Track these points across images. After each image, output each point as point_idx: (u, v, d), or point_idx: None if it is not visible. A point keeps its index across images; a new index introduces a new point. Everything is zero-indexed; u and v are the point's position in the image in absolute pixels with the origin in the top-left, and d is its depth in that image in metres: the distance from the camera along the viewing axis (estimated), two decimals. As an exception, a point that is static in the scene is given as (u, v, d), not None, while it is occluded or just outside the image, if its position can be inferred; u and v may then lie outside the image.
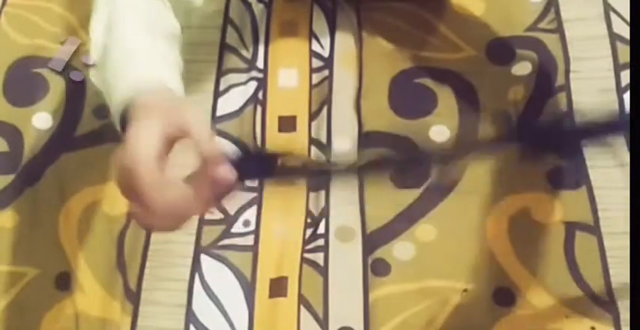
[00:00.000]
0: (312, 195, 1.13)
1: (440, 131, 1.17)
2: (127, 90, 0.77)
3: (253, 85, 1.24)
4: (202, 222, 1.12)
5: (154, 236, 1.11)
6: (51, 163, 1.17)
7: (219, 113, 1.21)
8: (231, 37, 1.28)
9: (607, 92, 1.18)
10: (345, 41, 1.26)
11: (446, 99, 1.20)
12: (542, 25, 1.26)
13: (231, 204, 1.13)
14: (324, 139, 1.18)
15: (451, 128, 1.17)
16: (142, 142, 0.69)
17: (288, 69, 1.25)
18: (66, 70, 1.26)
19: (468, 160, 1.10)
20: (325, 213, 1.12)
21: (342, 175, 0.95)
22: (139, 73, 0.79)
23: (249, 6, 1.32)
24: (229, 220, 1.13)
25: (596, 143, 1.06)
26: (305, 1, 1.29)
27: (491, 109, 1.18)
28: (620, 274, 1.03)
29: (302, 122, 1.20)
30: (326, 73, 1.24)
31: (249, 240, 1.11)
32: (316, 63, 1.25)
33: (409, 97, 1.18)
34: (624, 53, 1.20)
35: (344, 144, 1.17)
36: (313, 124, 1.19)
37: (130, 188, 0.68)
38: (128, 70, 0.80)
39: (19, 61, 1.28)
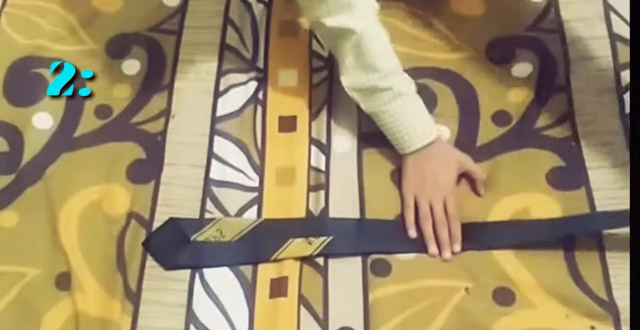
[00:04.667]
0: (312, 195, 1.13)
1: (439, 131, 1.16)
2: (420, 140, 1.11)
3: (253, 85, 1.24)
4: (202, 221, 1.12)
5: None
6: (51, 163, 1.17)
7: (219, 113, 1.21)
8: (231, 38, 1.28)
9: (607, 92, 1.18)
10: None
11: (446, 99, 1.20)
12: (542, 25, 1.26)
13: (232, 204, 1.13)
14: (324, 139, 1.18)
15: (451, 128, 1.17)
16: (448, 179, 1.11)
17: (288, 69, 1.25)
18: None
19: None
20: (325, 213, 1.12)
21: None
22: (426, 129, 1.11)
23: (249, 6, 1.32)
24: (229, 220, 1.13)
25: None
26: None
27: (492, 109, 1.18)
28: (620, 274, 1.03)
29: (302, 122, 1.20)
30: (326, 73, 1.24)
31: (249, 240, 1.11)
32: (316, 63, 1.25)
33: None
34: (624, 53, 1.20)
35: (344, 144, 1.18)
36: (313, 124, 1.20)
37: None
38: (415, 124, 1.11)
39: (19, 61, 1.28)
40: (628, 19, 1.24)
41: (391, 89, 1.10)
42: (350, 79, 1.12)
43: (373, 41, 1.09)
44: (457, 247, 1.07)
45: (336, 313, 1.04)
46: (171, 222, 1.11)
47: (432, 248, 1.07)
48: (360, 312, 1.04)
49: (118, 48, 1.29)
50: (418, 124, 1.10)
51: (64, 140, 1.20)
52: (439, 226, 1.08)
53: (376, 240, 1.09)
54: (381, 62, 1.10)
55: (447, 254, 1.07)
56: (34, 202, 1.14)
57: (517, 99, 1.19)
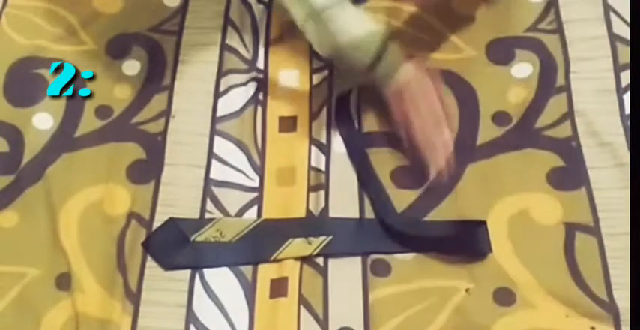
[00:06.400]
0: (312, 195, 1.13)
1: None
2: None
3: (254, 85, 1.24)
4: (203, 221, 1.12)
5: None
6: (51, 163, 1.17)
7: (219, 114, 1.21)
8: (232, 38, 1.29)
9: (607, 93, 1.18)
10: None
11: (446, 99, 1.20)
12: (541, 25, 1.26)
13: (232, 204, 1.13)
14: (324, 140, 1.18)
15: (451, 128, 1.17)
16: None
17: (289, 69, 1.25)
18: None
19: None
20: (325, 213, 1.12)
21: None
22: None
23: (249, 7, 1.32)
24: (229, 220, 1.13)
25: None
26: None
27: (492, 109, 1.19)
28: (620, 274, 1.03)
29: (302, 123, 1.20)
30: (326, 73, 1.24)
31: (249, 240, 1.11)
32: (316, 63, 1.25)
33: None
34: (624, 54, 1.20)
35: (344, 144, 1.18)
36: (314, 124, 1.20)
37: None
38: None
39: (19, 61, 1.28)
40: (628, 20, 1.24)
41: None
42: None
43: None
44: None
45: (336, 313, 1.04)
46: (171, 222, 1.11)
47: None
48: (360, 312, 1.04)
49: (118, 48, 1.29)
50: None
51: (64, 140, 1.20)
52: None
53: (376, 240, 1.09)
54: None
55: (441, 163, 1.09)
56: (34, 202, 1.14)
57: (517, 99, 1.19)
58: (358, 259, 1.07)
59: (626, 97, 1.17)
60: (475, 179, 1.12)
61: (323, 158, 1.16)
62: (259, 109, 1.22)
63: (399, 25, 1.27)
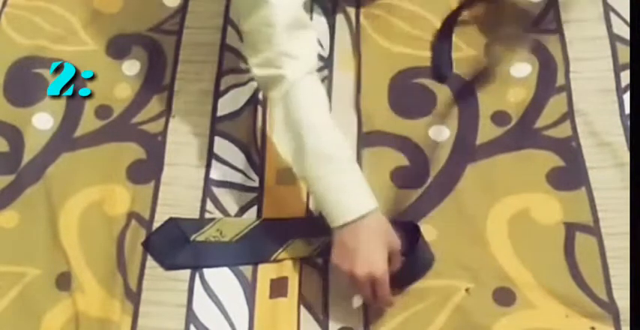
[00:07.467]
0: (312, 195, 1.13)
1: (439, 131, 1.17)
2: (349, 213, 0.99)
3: (253, 85, 1.24)
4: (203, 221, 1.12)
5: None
6: (51, 163, 1.18)
7: (219, 114, 1.21)
8: (232, 38, 1.29)
9: (607, 92, 1.18)
10: (344, 41, 1.27)
11: (445, 99, 1.20)
12: (542, 25, 1.26)
13: (232, 204, 1.14)
14: (323, 140, 1.18)
15: (451, 128, 1.17)
16: (379, 258, 0.97)
17: (288, 69, 1.25)
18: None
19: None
20: (325, 213, 1.12)
21: None
22: (357, 201, 1.00)
23: (249, 7, 1.32)
24: (229, 220, 1.13)
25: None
26: (304, 2, 1.29)
27: (491, 109, 1.19)
28: (620, 274, 1.03)
29: (302, 122, 1.20)
30: (325, 73, 1.24)
31: (249, 240, 1.11)
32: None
33: (409, 97, 1.18)
34: (624, 54, 1.20)
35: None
36: (313, 124, 1.19)
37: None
38: (344, 194, 1.00)
39: (19, 61, 1.28)
40: (628, 20, 1.24)
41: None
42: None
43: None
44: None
45: (336, 313, 1.04)
46: (171, 222, 1.11)
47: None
48: (360, 312, 1.04)
49: (118, 48, 1.29)
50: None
51: (64, 140, 1.20)
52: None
53: None
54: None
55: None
56: (34, 202, 1.15)
57: (516, 99, 1.19)
58: (358, 259, 1.07)
59: (626, 97, 1.17)
60: (475, 179, 1.12)
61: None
62: (259, 109, 1.22)
63: (399, 24, 1.27)
